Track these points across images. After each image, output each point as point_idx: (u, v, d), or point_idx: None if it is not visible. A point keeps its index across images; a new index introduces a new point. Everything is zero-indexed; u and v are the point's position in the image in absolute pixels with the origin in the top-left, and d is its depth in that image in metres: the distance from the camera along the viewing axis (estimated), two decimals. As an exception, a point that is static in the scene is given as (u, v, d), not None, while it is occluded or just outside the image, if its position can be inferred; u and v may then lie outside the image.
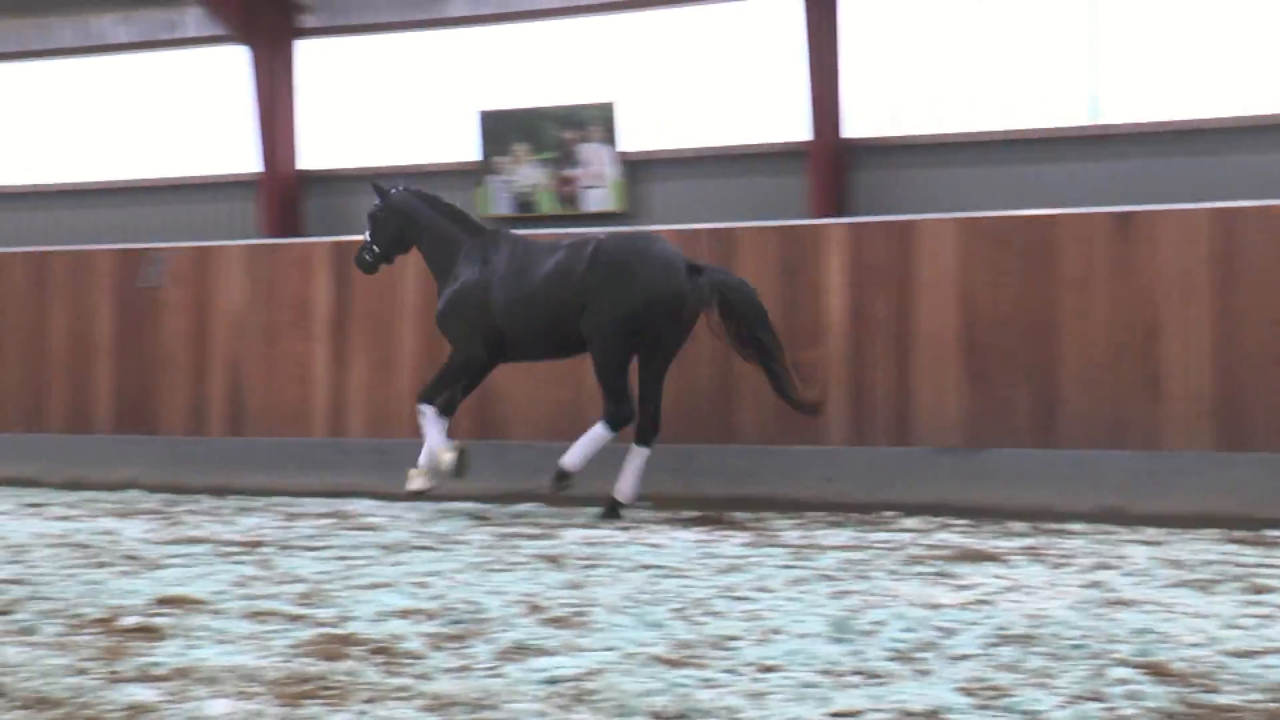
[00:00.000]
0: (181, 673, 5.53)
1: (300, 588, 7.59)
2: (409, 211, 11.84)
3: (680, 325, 10.78)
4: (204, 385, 14.67)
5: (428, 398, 11.43)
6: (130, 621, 6.55)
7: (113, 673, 5.53)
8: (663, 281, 10.58)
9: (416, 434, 13.44)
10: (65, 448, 14.95)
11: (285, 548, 9.38)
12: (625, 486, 10.89)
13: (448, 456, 11.24)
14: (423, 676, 5.50)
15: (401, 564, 8.57)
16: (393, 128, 18.48)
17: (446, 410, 11.48)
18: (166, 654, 5.86)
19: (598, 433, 10.73)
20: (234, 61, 18.15)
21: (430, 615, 6.74)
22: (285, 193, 17.80)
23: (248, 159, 18.06)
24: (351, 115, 18.48)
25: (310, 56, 18.24)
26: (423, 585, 7.65)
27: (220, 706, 5.01)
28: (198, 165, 18.28)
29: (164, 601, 7.13)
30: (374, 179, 17.95)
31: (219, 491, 13.69)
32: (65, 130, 18.35)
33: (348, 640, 6.15)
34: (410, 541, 9.72)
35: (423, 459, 11.54)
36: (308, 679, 5.42)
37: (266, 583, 7.77)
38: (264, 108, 17.58)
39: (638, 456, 10.92)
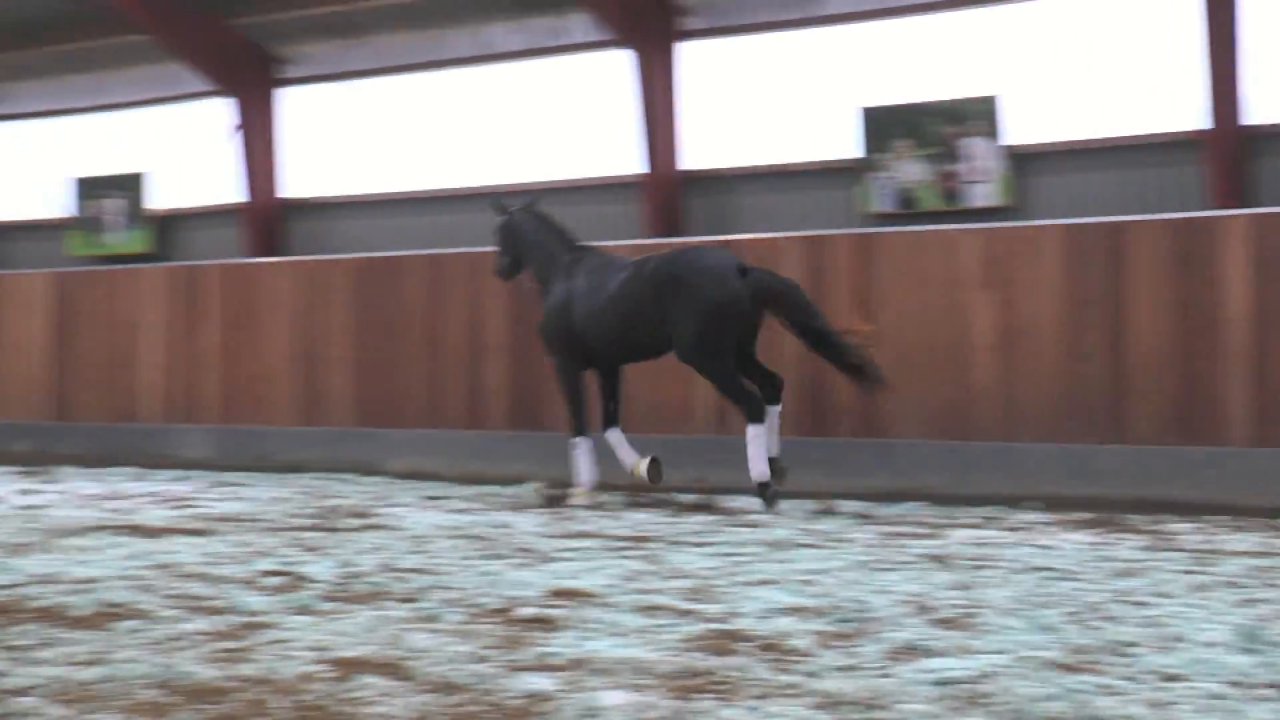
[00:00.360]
0: (576, 663, 5.68)
1: (688, 583, 7.69)
2: (518, 230, 12.90)
3: (743, 323, 11.37)
4: (591, 384, 15.08)
5: (577, 431, 12.33)
6: (527, 612, 6.77)
7: (511, 661, 5.73)
8: (715, 290, 11.20)
9: (801, 433, 13.47)
10: (463, 443, 15.64)
11: (672, 543, 9.54)
12: (772, 443, 11.42)
13: (641, 467, 12.09)
14: (812, 674, 5.50)
15: (787, 561, 8.59)
16: (772, 126, 18.57)
17: (611, 421, 12.30)
18: (562, 644, 6.03)
19: (753, 434, 11.28)
20: (618, 65, 18.58)
21: (817, 613, 6.73)
22: (668, 193, 18.13)
23: (631, 161, 18.46)
24: (731, 115, 18.65)
25: (691, 58, 18.49)
26: (808, 583, 7.65)
27: (614, 698, 5.11)
28: (583, 168, 18.77)
29: (557, 594, 7.34)
30: (743, 176, 18.15)
31: (604, 487, 14.05)
32: (457, 137, 19.18)
33: (736, 636, 6.19)
34: (795, 539, 9.74)
35: (583, 476, 12.37)
36: (698, 673, 5.49)
37: (655, 577, 7.91)
38: (647, 110, 17.95)
39: (772, 416, 11.44)
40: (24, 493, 13.74)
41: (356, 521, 11.00)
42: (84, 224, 20.04)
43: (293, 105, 19.46)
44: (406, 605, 7.02)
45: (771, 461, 11.47)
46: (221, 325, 17.50)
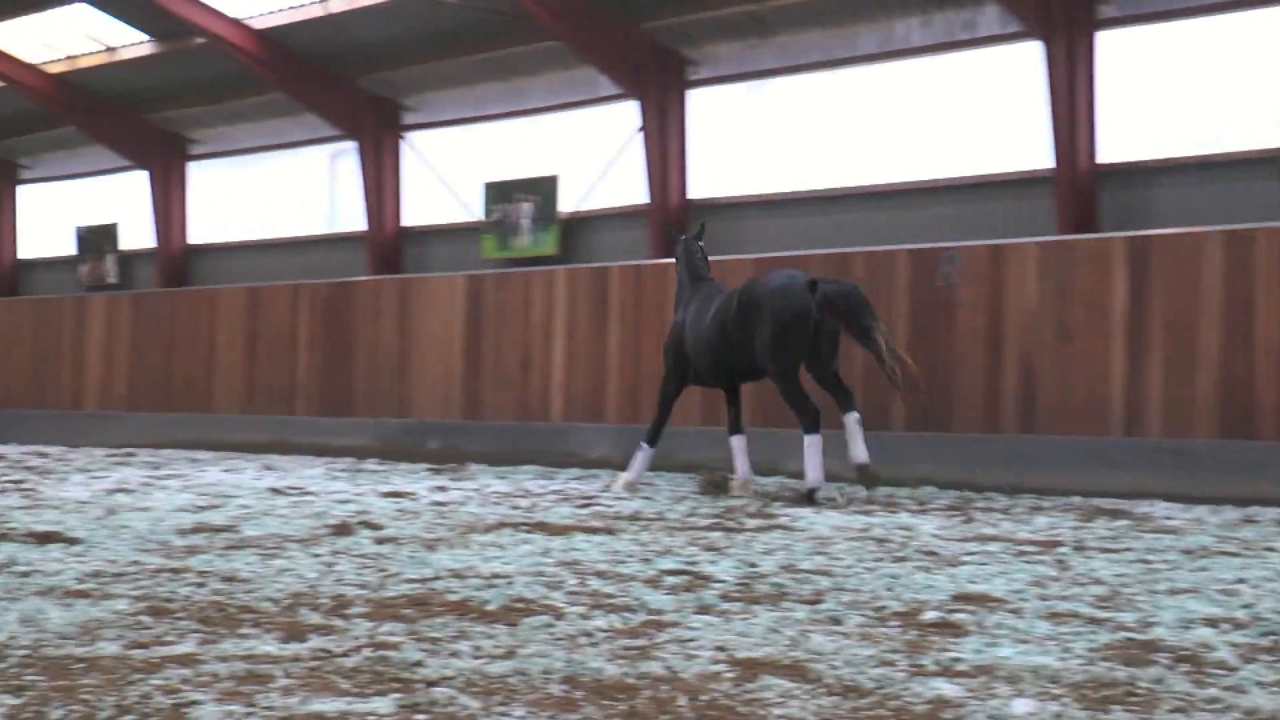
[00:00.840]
0: (983, 670, 5.57)
1: (1099, 590, 7.44)
2: (676, 258, 14.61)
3: (812, 333, 12.80)
4: (997, 383, 14.78)
5: (649, 439, 14.25)
6: (931, 616, 6.68)
7: (916, 666, 5.66)
8: (783, 306, 12.75)
9: (1221, 434, 12.84)
10: (869, 444, 15.52)
11: (1081, 549, 9.25)
12: (857, 451, 12.67)
13: (738, 485, 13.52)
14: (1234, 689, 5.22)
15: (1205, 570, 8.20)
16: (1194, 115, 17.74)
17: (735, 430, 13.89)
18: (968, 650, 5.92)
19: (810, 442, 12.65)
20: (1026, 58, 18.11)
21: (1239, 625, 6.40)
22: (1080, 188, 17.54)
23: (1041, 155, 17.95)
24: (1150, 105, 17.92)
25: (1109, 47, 17.86)
26: (1230, 593, 7.28)
27: (1023, 706, 4.99)
28: (992, 163, 18.38)
29: (962, 598, 7.22)
30: (1162, 168, 17.38)
31: (1010, 489, 13.72)
32: (862, 134, 19.10)
33: (1152, 646, 5.95)
34: (1213, 546, 9.31)
35: (630, 475, 14.14)
36: (1112, 684, 5.30)
37: (1064, 583, 7.68)
38: (1059, 102, 17.42)
39: (851, 421, 12.70)
40: (436, 489, 14.47)
41: (757, 522, 11.10)
42: (496, 227, 20.94)
43: (699, 106, 19.82)
44: (808, 607, 7.03)
45: (863, 467, 12.68)
46: (625, 326, 17.97)
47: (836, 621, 6.66)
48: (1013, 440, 14.45)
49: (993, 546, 9.41)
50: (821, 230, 18.97)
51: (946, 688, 5.28)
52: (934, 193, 18.23)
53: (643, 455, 14.24)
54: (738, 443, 13.94)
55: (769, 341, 12.93)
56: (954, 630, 6.37)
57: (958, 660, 5.73)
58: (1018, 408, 14.56)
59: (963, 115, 18.71)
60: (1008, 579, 7.85)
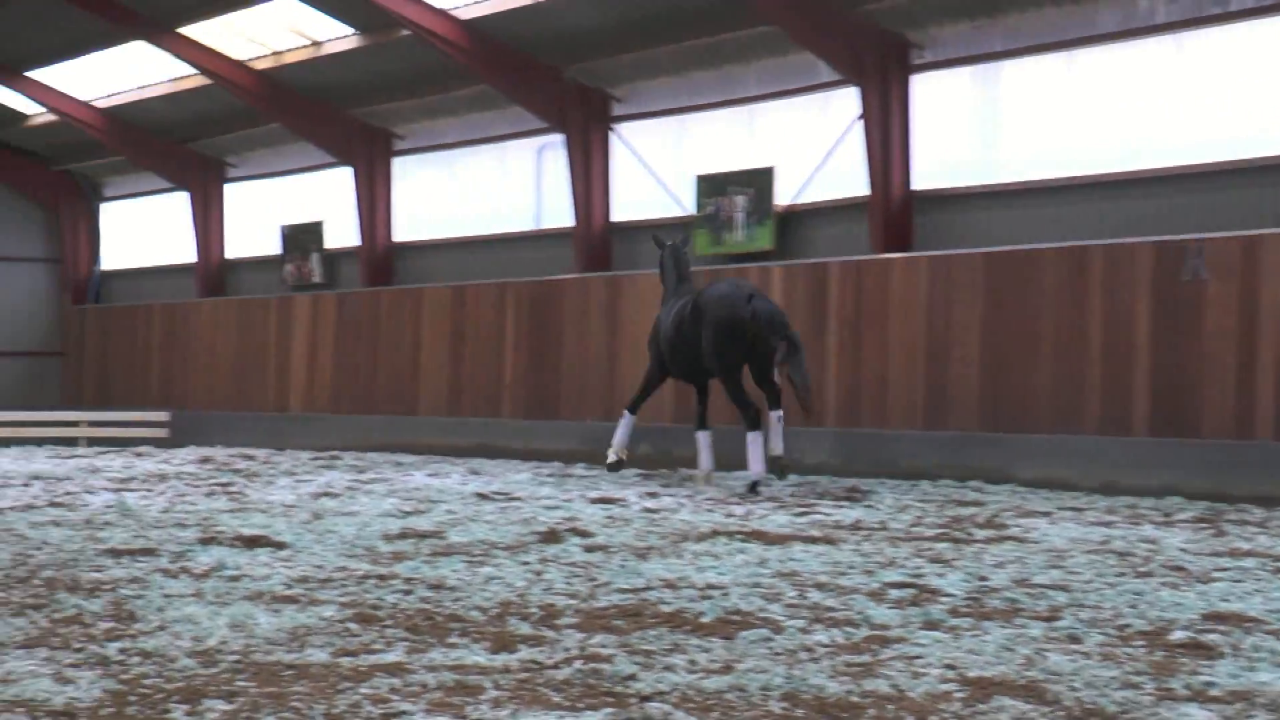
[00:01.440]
0: (1239, 695, 5.39)
1: (1368, 614, 7.16)
2: (661, 264, 17.04)
3: (747, 342, 15.14)
4: (1251, 386, 14.31)
5: (630, 407, 16.88)
6: (1179, 636, 6.51)
7: (1164, 690, 5.51)
8: (724, 314, 15.26)
9: None
10: (1099, 450, 15.21)
11: (1348, 568, 8.92)
12: (774, 444, 14.93)
13: (703, 477, 15.85)
14: None
15: None
16: None
17: (702, 425, 16.12)
18: (1221, 674, 5.74)
19: (751, 439, 14.85)
20: (1280, 32, 17.49)
21: None
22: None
23: (1299, 137, 17.29)
24: None
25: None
26: None
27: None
28: (1243, 148, 17.80)
29: (1214, 617, 7.01)
30: None
31: (1268, 501, 13.29)
32: (1099, 119, 18.68)
33: None
34: None
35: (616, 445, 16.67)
36: (1384, 717, 5.09)
37: (1328, 605, 7.41)
38: (1316, 79, 16.80)
39: (774, 418, 14.96)
40: (647, 495, 14.55)
41: (987, 533, 10.93)
42: (708, 222, 20.99)
43: (923, 92, 19.58)
44: (1044, 624, 6.90)
45: (777, 459, 14.89)
46: (844, 324, 17.85)
47: (1075, 640, 6.52)
48: (1270, 447, 13.97)
49: (1248, 562, 9.12)
50: (1055, 222, 18.60)
51: (1199, 714, 5.13)
52: (1179, 180, 17.73)
53: (624, 422, 16.77)
54: (703, 438, 16.03)
55: (709, 345, 15.44)
56: (1205, 652, 6.19)
57: (1210, 684, 5.57)
58: (1274, 413, 14.07)
59: (1212, 96, 18.16)
60: (1265, 597, 7.61)
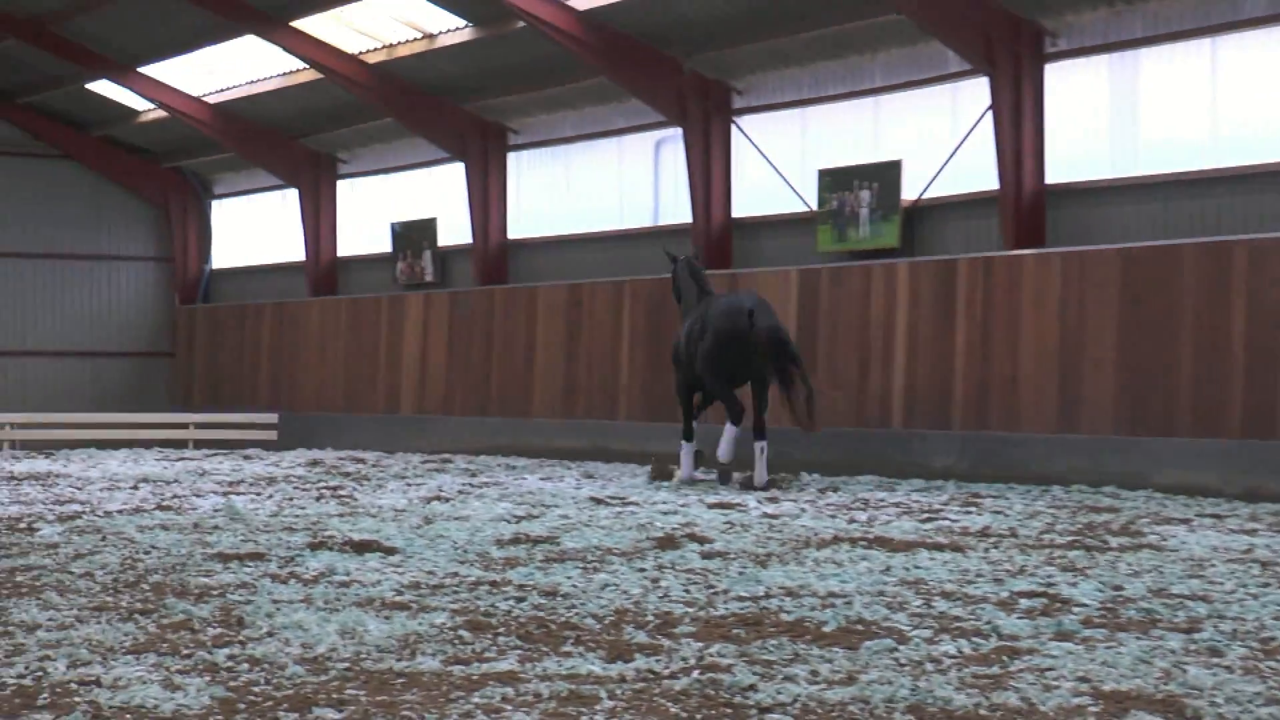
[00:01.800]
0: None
1: None
2: (675, 277, 18.19)
3: (745, 354, 16.45)
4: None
5: (686, 436, 17.49)
6: (1331, 652, 6.39)
7: (1312, 707, 5.42)
8: (724, 326, 16.63)
9: None
10: (1242, 454, 14.95)
11: None
12: (759, 474, 16.46)
13: (676, 477, 17.33)
14: None
15: None
16: None
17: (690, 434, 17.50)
18: (1372, 692, 5.63)
19: (729, 430, 16.58)
20: None
21: None
22: None
23: None
24: None
25: None
26: None
27: None
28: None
29: (1366, 632, 6.87)
30: None
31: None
32: (1244, 109, 18.34)
33: None
34: None
35: (683, 474, 17.37)
36: None
37: None
38: None
39: (755, 450, 16.53)
40: (767, 500, 14.53)
41: (1122, 540, 10.79)
42: (832, 218, 20.90)
43: (1057, 81, 19.35)
44: (1182, 636, 6.81)
45: (748, 477, 16.45)
46: (974, 323, 17.70)
47: (1216, 653, 6.42)
48: None
49: None
50: (1196, 217, 18.32)
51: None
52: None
53: (685, 451, 17.42)
54: (689, 448, 17.46)
55: (704, 351, 16.80)
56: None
57: (1360, 703, 5.46)
58: None
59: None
60: None
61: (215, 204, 32.51)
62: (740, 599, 8.07)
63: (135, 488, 16.26)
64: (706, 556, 9.92)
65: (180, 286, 32.19)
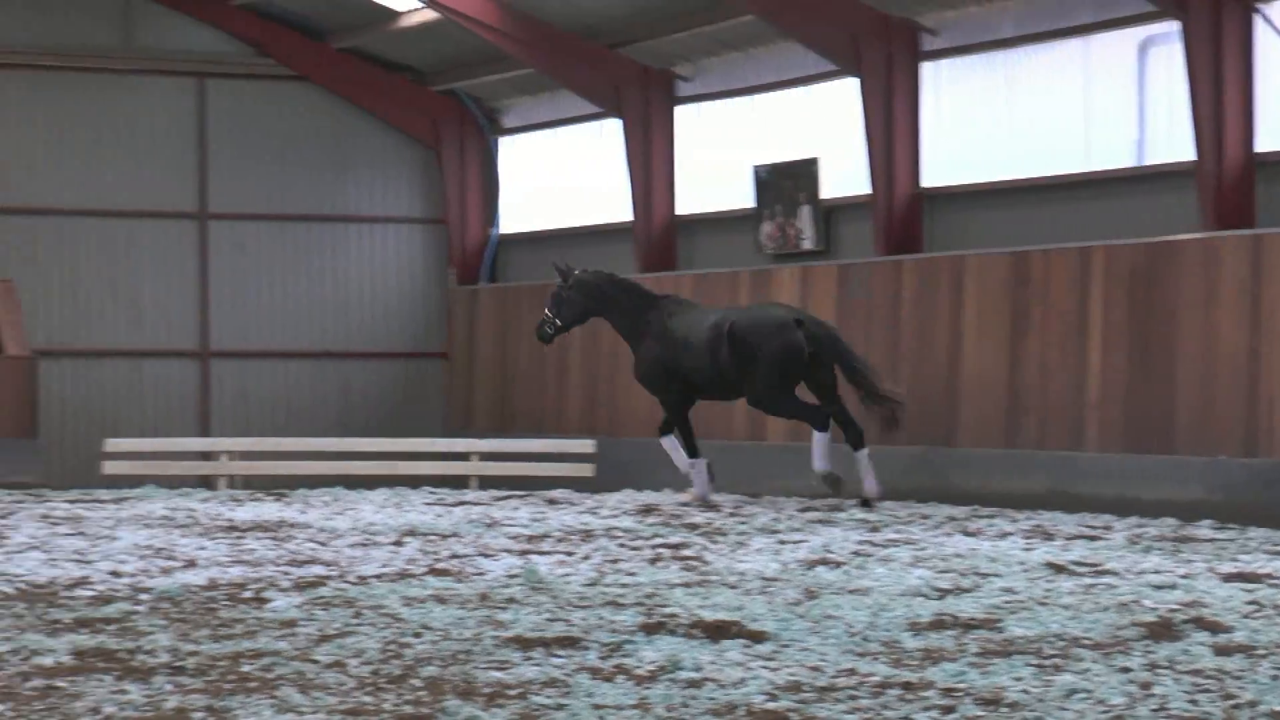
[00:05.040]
0: None
1: None
2: (595, 293, 22.66)
3: (806, 367, 21.21)
4: None
5: (692, 453, 22.32)
6: None
7: None
8: (780, 345, 21.06)
9: None
10: None
11: None
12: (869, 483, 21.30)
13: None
14: None
15: None
16: None
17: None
18: None
19: (818, 437, 21.13)
20: None
21: None
22: None
23: None
24: None
25: None
26: None
27: None
28: None
29: None
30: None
31: None
32: None
33: None
34: None
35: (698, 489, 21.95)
36: None
37: None
38: None
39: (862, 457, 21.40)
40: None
41: None
42: None
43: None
44: None
45: (830, 470, 21.14)
46: None
47: None
48: None
49: None
50: None
51: None
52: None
53: (698, 467, 22.25)
54: (670, 442, 22.37)
55: (763, 374, 21.44)
56: None
57: None
58: None
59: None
60: None
61: (505, 141, 33.07)
62: (1275, 715, 7.92)
63: (399, 544, 16.70)
64: (1222, 652, 9.75)
65: (457, 259, 32.75)
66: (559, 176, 32.08)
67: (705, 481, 21.99)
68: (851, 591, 12.66)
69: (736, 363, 21.33)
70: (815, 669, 9.36)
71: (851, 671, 9.25)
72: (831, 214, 26.83)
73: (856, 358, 21.21)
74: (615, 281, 22.95)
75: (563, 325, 23.10)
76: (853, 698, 8.53)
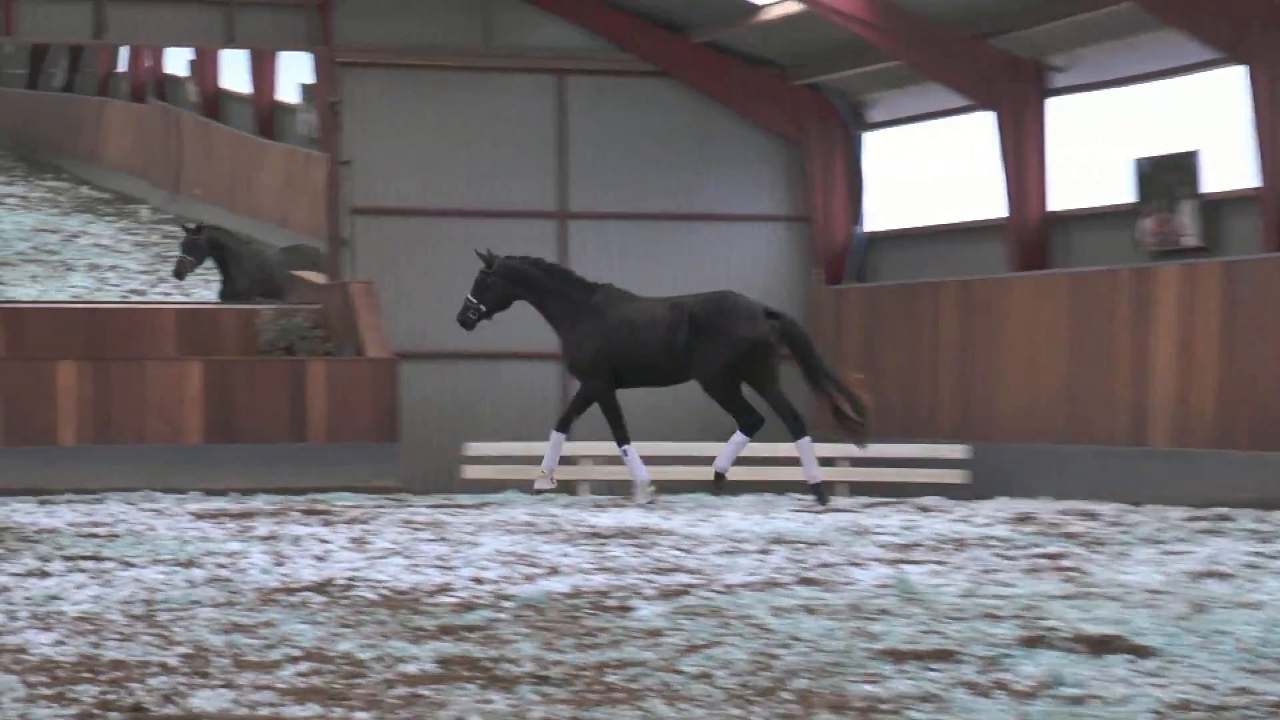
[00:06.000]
0: None
1: None
2: (523, 278, 24.20)
3: (766, 359, 23.21)
4: None
5: (623, 440, 24.16)
6: None
7: None
8: (747, 332, 23.04)
9: None
10: None
11: None
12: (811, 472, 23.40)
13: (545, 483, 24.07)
14: None
15: None
16: None
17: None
18: None
19: (738, 438, 23.45)
20: None
21: None
22: None
23: None
24: None
25: None
26: None
27: None
28: None
29: None
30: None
31: None
32: None
33: None
34: None
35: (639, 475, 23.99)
36: None
37: None
38: None
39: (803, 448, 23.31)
40: None
41: None
42: None
43: None
44: None
45: (719, 476, 23.59)
46: None
47: None
48: None
49: None
50: None
51: None
52: None
53: (633, 455, 24.10)
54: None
55: (716, 357, 23.36)
56: None
57: None
58: None
59: None
60: None
61: (868, 137, 33.08)
62: None
63: (765, 552, 16.80)
64: None
65: (822, 258, 32.82)
66: (926, 172, 32.04)
67: (640, 467, 23.85)
68: (1242, 605, 12.45)
69: (692, 344, 23.02)
70: (1206, 687, 9.21)
71: (1245, 690, 9.09)
72: (1215, 208, 26.37)
73: (825, 364, 23.48)
74: (541, 265, 24.45)
75: (485, 310, 24.33)
76: (1246, 716, 8.38)
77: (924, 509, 22.53)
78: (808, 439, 23.14)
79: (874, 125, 32.91)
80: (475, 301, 24.30)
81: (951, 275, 30.03)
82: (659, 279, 32.16)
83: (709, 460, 24.30)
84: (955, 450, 27.44)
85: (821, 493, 23.05)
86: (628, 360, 23.62)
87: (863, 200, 32.93)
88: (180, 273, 34.05)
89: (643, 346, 23.46)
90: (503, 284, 24.19)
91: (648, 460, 24.47)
